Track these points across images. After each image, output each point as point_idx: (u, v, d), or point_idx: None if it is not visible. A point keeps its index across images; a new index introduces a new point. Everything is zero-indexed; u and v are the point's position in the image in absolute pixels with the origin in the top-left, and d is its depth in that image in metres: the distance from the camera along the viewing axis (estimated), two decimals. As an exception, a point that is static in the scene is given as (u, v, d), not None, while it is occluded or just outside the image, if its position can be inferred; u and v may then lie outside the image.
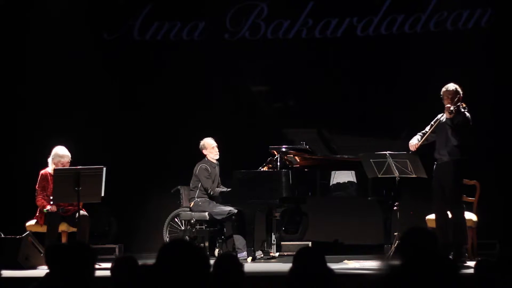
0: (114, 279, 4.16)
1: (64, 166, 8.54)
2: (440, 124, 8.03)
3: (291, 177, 8.76)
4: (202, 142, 9.45)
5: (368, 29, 10.57)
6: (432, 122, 8.08)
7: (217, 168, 9.42)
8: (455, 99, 7.93)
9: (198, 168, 9.30)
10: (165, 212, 9.62)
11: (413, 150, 8.08)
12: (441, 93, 8.01)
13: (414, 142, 8.10)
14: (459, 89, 7.99)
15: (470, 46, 10.16)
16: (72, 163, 8.63)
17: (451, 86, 8.01)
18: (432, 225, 8.12)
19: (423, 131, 8.15)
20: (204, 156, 9.42)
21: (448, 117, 7.93)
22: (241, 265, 3.99)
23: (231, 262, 3.97)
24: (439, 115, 8.11)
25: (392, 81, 10.34)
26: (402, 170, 7.98)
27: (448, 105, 7.90)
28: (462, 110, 7.99)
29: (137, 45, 10.85)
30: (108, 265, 7.70)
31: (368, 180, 8.43)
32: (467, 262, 7.91)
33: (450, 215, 7.95)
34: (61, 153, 8.61)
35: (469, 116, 8.01)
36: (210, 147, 9.40)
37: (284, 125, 10.74)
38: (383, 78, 10.39)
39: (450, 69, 9.73)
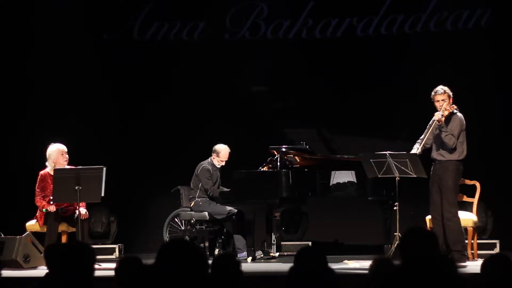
0: (118, 279, 4.15)
1: (65, 157, 8.57)
2: (435, 126, 8.01)
3: (291, 177, 8.77)
4: (219, 148, 9.29)
5: (368, 29, 10.57)
6: (428, 126, 8.05)
7: (218, 171, 9.39)
8: (446, 102, 7.90)
9: (200, 168, 9.28)
10: (165, 212, 9.62)
11: None
12: (431, 97, 7.98)
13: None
14: (448, 91, 7.96)
15: (470, 46, 10.16)
16: (72, 163, 8.64)
17: (440, 89, 7.96)
18: (432, 225, 8.12)
19: (421, 137, 8.11)
20: (209, 157, 9.35)
21: (438, 124, 7.90)
22: (239, 265, 3.98)
23: (228, 262, 3.97)
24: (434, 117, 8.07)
25: (392, 81, 10.33)
26: (402, 170, 7.97)
27: (438, 113, 7.86)
28: (455, 112, 7.97)
29: (137, 45, 10.85)
30: (108, 265, 7.74)
31: (368, 180, 8.43)
32: (467, 262, 7.92)
33: (445, 215, 7.93)
34: (60, 147, 8.63)
35: (462, 117, 7.98)
36: (223, 156, 9.27)
37: (284, 125, 10.74)
38: (383, 78, 10.38)
39: (450, 69, 9.73)
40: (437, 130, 8.00)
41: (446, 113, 7.89)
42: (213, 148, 9.32)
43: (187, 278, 3.02)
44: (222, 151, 9.30)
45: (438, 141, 8.00)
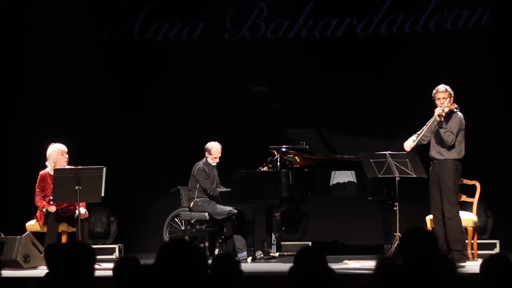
0: (116, 279, 4.15)
1: (65, 157, 8.57)
2: (434, 124, 8.01)
3: (291, 177, 8.77)
4: (209, 145, 9.32)
5: (368, 29, 10.57)
6: (427, 122, 8.06)
7: (215, 170, 9.40)
8: (447, 100, 7.90)
9: (196, 169, 9.29)
10: (165, 212, 9.62)
11: (408, 150, 8.08)
12: (432, 95, 7.99)
13: (409, 143, 8.09)
14: (449, 89, 7.97)
15: (470, 46, 10.15)
16: (72, 163, 8.64)
17: (442, 87, 7.97)
18: (432, 225, 8.12)
19: (419, 132, 8.13)
20: (204, 156, 9.38)
21: (438, 120, 7.91)
22: (239, 265, 3.98)
23: (228, 262, 3.97)
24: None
25: (392, 81, 10.34)
26: (402, 170, 7.97)
27: (438, 109, 7.88)
28: (455, 110, 7.97)
29: (137, 45, 10.85)
30: (108, 265, 7.74)
31: (368, 180, 8.43)
32: (467, 262, 7.92)
33: (446, 215, 7.93)
34: (60, 147, 8.63)
35: (462, 117, 7.99)
36: (216, 153, 9.30)
37: (284, 125, 10.74)
38: (383, 78, 10.38)
39: (450, 69, 9.73)
40: (436, 127, 8.00)
41: (446, 109, 7.89)
42: (205, 147, 9.34)
43: (187, 278, 3.02)
44: (213, 147, 9.32)
45: (437, 139, 8.00)
